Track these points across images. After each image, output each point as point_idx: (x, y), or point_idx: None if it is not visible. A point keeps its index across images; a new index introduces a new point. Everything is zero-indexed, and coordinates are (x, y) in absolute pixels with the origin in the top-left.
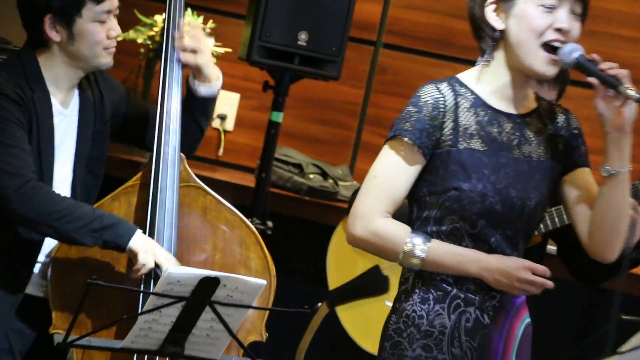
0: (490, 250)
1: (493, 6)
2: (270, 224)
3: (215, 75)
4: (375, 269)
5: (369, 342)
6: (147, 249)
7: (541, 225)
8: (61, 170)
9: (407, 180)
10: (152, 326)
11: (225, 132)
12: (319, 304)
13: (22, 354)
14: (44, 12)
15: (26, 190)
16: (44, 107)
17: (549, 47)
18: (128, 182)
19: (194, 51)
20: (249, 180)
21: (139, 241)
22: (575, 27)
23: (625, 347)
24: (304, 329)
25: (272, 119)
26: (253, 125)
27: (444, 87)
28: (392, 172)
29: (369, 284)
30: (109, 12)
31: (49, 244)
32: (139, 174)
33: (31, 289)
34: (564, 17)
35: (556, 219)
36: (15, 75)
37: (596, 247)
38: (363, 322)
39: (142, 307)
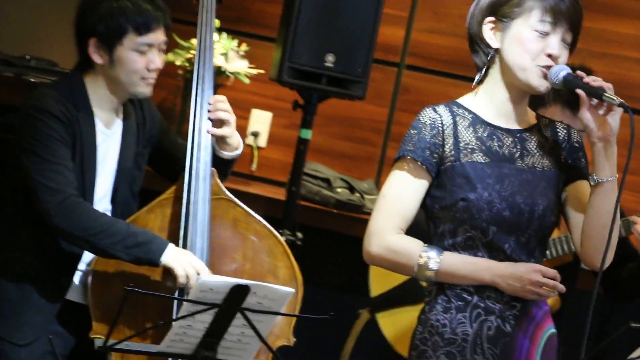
0: (506, 257)
1: (491, 25)
2: (300, 235)
3: (237, 142)
4: (414, 279)
5: (406, 349)
6: (181, 261)
7: (571, 245)
8: (102, 187)
9: (415, 197)
10: (186, 331)
11: (259, 148)
12: (361, 310)
13: (64, 357)
14: (90, 35)
15: (66, 206)
16: (87, 127)
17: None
18: (162, 195)
19: (222, 122)
20: (280, 194)
21: (172, 256)
22: (563, 55)
23: (635, 354)
24: (343, 335)
25: (301, 135)
26: (285, 142)
27: (441, 109)
28: (399, 190)
29: (408, 293)
30: (150, 45)
31: (89, 254)
32: (173, 188)
33: (73, 296)
34: (555, 44)
35: None
36: (62, 94)
37: (587, 255)
38: (401, 330)
39: (177, 314)
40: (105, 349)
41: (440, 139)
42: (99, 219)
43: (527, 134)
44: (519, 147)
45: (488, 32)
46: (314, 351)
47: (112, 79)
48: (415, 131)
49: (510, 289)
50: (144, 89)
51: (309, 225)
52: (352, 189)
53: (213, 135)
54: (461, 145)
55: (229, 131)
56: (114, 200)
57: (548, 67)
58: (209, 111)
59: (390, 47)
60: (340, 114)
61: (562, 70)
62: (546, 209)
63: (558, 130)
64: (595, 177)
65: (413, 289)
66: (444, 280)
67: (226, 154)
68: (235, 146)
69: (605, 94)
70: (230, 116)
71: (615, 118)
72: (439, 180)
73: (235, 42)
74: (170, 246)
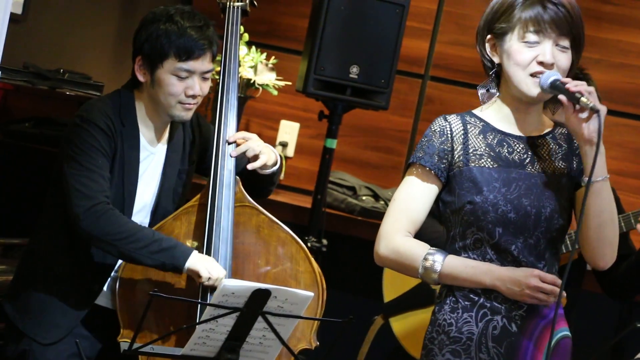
0: (513, 259)
1: (489, 43)
2: (325, 241)
3: (273, 160)
4: (424, 284)
5: (419, 351)
6: (206, 266)
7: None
8: (141, 200)
9: (423, 201)
10: (209, 335)
11: (287, 158)
12: (375, 317)
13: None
14: (138, 53)
15: (95, 211)
16: (131, 142)
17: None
18: (188, 202)
19: (255, 157)
20: (307, 202)
21: (196, 261)
22: (561, 59)
23: None
24: (360, 340)
25: (326, 145)
26: (312, 152)
27: (452, 117)
28: (409, 195)
29: (419, 297)
30: (189, 71)
31: (120, 262)
32: (198, 195)
33: (101, 301)
34: (546, 51)
35: None
36: (111, 108)
37: (588, 255)
38: (414, 332)
39: (200, 318)
40: (131, 352)
41: (449, 145)
42: (126, 225)
43: (540, 141)
44: (529, 153)
45: (489, 50)
46: (333, 355)
47: (153, 98)
48: (426, 139)
49: (510, 293)
50: (182, 113)
51: (334, 232)
52: (376, 197)
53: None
54: (470, 151)
55: (265, 159)
56: (154, 213)
57: (539, 74)
58: (229, 143)
59: (415, 59)
60: (366, 124)
61: (551, 77)
62: (553, 212)
63: (574, 139)
64: (584, 178)
65: (424, 292)
66: (447, 283)
67: (268, 172)
68: (273, 164)
69: (581, 98)
70: (257, 147)
71: (595, 121)
72: (449, 185)
73: (264, 55)
74: (195, 252)
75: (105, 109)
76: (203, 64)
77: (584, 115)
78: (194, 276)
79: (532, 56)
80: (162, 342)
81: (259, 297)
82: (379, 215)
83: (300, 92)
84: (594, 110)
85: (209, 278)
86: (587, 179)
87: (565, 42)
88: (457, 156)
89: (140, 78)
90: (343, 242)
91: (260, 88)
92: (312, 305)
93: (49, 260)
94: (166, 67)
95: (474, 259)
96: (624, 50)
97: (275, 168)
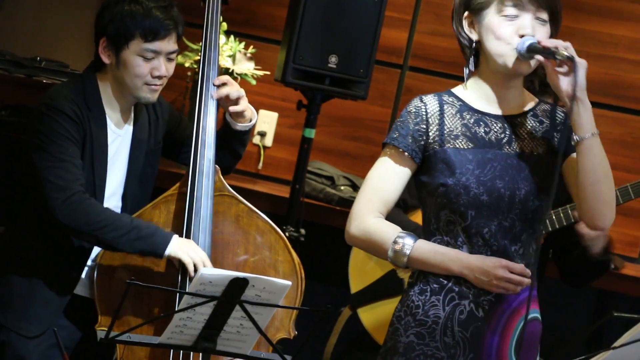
0: (484, 242)
1: (467, 20)
2: (303, 231)
3: (251, 114)
4: (392, 273)
5: None
6: (186, 250)
7: (548, 225)
8: (112, 184)
9: (397, 182)
10: (187, 323)
11: (265, 147)
12: (342, 309)
13: (69, 350)
14: (102, 34)
15: (71, 202)
16: (99, 126)
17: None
18: (167, 191)
19: (237, 100)
20: (285, 192)
21: (176, 246)
22: (540, 32)
23: (618, 343)
24: (329, 331)
25: (304, 135)
26: (290, 142)
27: (429, 98)
28: (381, 176)
29: (386, 287)
30: (156, 52)
31: (97, 249)
32: (177, 184)
33: (79, 290)
34: (526, 24)
35: (555, 222)
36: (75, 93)
37: (586, 217)
38: (382, 322)
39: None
40: (108, 340)
41: (424, 126)
42: (103, 213)
43: (519, 119)
44: (507, 132)
45: (467, 27)
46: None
47: (119, 80)
48: (401, 119)
49: (478, 282)
50: (148, 95)
51: (312, 222)
52: (355, 187)
53: (231, 113)
54: (445, 131)
55: (245, 104)
56: (124, 197)
57: None
58: (217, 86)
59: (394, 49)
60: (345, 114)
61: (527, 41)
62: (528, 193)
63: (557, 113)
64: (575, 136)
65: (391, 282)
66: (416, 267)
67: (242, 125)
68: (250, 117)
69: (558, 51)
70: (240, 91)
71: (578, 75)
72: (425, 166)
73: (242, 45)
74: (175, 237)
75: (69, 94)
76: (169, 44)
77: (564, 69)
78: (174, 262)
79: (513, 30)
80: (141, 331)
81: (237, 286)
82: None
83: (278, 81)
84: (570, 60)
85: (193, 264)
86: (575, 136)
87: (544, 15)
88: (432, 137)
89: (105, 60)
90: (321, 232)
91: (239, 77)
92: (291, 294)
93: (25, 251)
94: (132, 48)
95: (447, 241)
96: (602, 41)
97: (251, 124)
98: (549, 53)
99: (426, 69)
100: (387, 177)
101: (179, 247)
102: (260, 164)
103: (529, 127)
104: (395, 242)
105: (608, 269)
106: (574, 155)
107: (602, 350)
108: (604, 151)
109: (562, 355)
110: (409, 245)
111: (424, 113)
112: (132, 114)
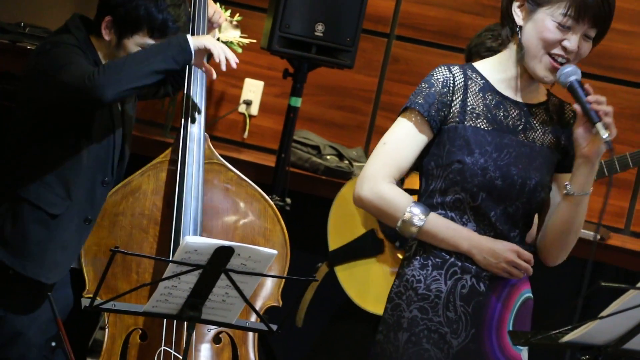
0: (489, 224)
1: (518, 2)
2: (289, 200)
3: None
4: (371, 232)
5: (366, 301)
6: (206, 40)
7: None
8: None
9: (414, 149)
10: (172, 292)
11: (251, 116)
12: (320, 264)
13: (63, 318)
14: (109, 12)
15: (93, 76)
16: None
17: (554, 58)
18: (156, 159)
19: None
20: (271, 161)
21: (196, 39)
22: (583, 48)
23: (605, 312)
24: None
25: (290, 103)
26: (276, 111)
27: (456, 69)
28: (400, 141)
29: (365, 246)
30: None
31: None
32: (167, 151)
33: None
34: (573, 39)
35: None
36: (77, 45)
37: (543, 254)
38: (359, 282)
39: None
40: (92, 308)
41: (449, 98)
42: (121, 61)
43: (534, 109)
44: (523, 120)
45: (516, 10)
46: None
47: (113, 56)
48: (427, 85)
49: (484, 263)
50: None
51: (298, 191)
52: (341, 157)
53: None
54: (468, 108)
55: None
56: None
57: (559, 57)
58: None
59: (381, 18)
60: (331, 83)
61: (572, 75)
62: (537, 184)
63: (565, 112)
64: (568, 187)
65: (370, 242)
66: (425, 240)
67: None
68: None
69: (598, 124)
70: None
71: (602, 147)
72: (439, 138)
73: (228, 12)
74: (188, 36)
75: (76, 43)
76: None
77: (593, 133)
78: (204, 53)
79: (558, 38)
80: (130, 299)
81: (222, 255)
82: (343, 174)
83: (265, 49)
84: (607, 145)
85: (216, 48)
86: (570, 187)
87: (592, 33)
88: (454, 110)
89: (105, 36)
90: (307, 201)
91: (225, 45)
92: (279, 263)
93: (36, 200)
94: (135, 39)
95: (451, 217)
96: None
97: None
98: (589, 115)
99: (413, 38)
100: (405, 142)
101: (197, 40)
102: (246, 133)
103: (542, 119)
104: (407, 212)
105: None
106: (562, 175)
107: (589, 320)
108: (586, 207)
109: (550, 326)
110: (422, 217)
111: (451, 84)
112: None
